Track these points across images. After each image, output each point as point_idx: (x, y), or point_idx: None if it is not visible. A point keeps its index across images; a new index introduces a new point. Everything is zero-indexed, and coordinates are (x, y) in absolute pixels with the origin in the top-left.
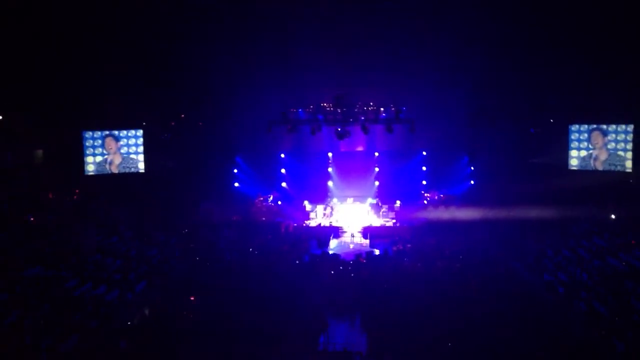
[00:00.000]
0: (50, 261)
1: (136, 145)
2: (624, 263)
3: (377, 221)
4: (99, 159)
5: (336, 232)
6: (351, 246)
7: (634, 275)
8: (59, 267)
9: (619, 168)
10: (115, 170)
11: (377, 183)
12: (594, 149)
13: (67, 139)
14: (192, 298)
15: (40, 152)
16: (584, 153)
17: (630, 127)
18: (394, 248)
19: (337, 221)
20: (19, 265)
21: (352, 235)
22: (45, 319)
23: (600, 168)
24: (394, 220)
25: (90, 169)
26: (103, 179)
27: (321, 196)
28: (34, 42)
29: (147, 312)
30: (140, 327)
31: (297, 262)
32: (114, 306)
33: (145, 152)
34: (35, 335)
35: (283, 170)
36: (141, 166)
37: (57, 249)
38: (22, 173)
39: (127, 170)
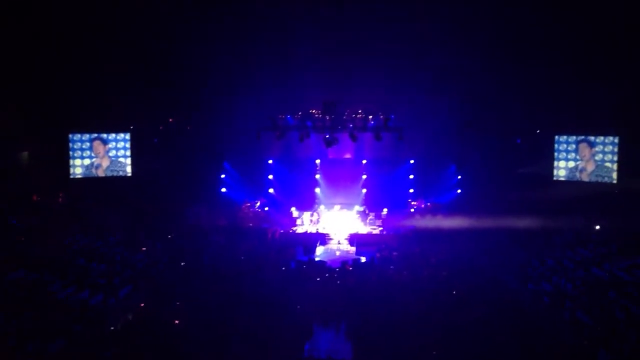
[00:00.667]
0: (35, 264)
1: (124, 148)
2: (607, 273)
3: (363, 229)
4: (86, 162)
5: (323, 239)
6: (337, 253)
7: (618, 285)
8: (43, 271)
9: (606, 179)
10: (102, 174)
11: (364, 190)
12: (581, 160)
13: (53, 141)
14: (178, 303)
15: (25, 153)
16: (571, 164)
17: (616, 139)
18: (378, 255)
19: (324, 228)
20: (3, 269)
21: (339, 243)
22: (29, 322)
23: (586, 179)
24: (381, 228)
25: (78, 171)
26: (90, 182)
27: (308, 203)
28: (22, 45)
29: (130, 317)
30: (125, 333)
31: (283, 268)
32: (99, 310)
33: (132, 156)
34: (20, 338)
35: (271, 177)
36: (128, 170)
37: (42, 252)
38: (7, 175)
39: (114, 174)
